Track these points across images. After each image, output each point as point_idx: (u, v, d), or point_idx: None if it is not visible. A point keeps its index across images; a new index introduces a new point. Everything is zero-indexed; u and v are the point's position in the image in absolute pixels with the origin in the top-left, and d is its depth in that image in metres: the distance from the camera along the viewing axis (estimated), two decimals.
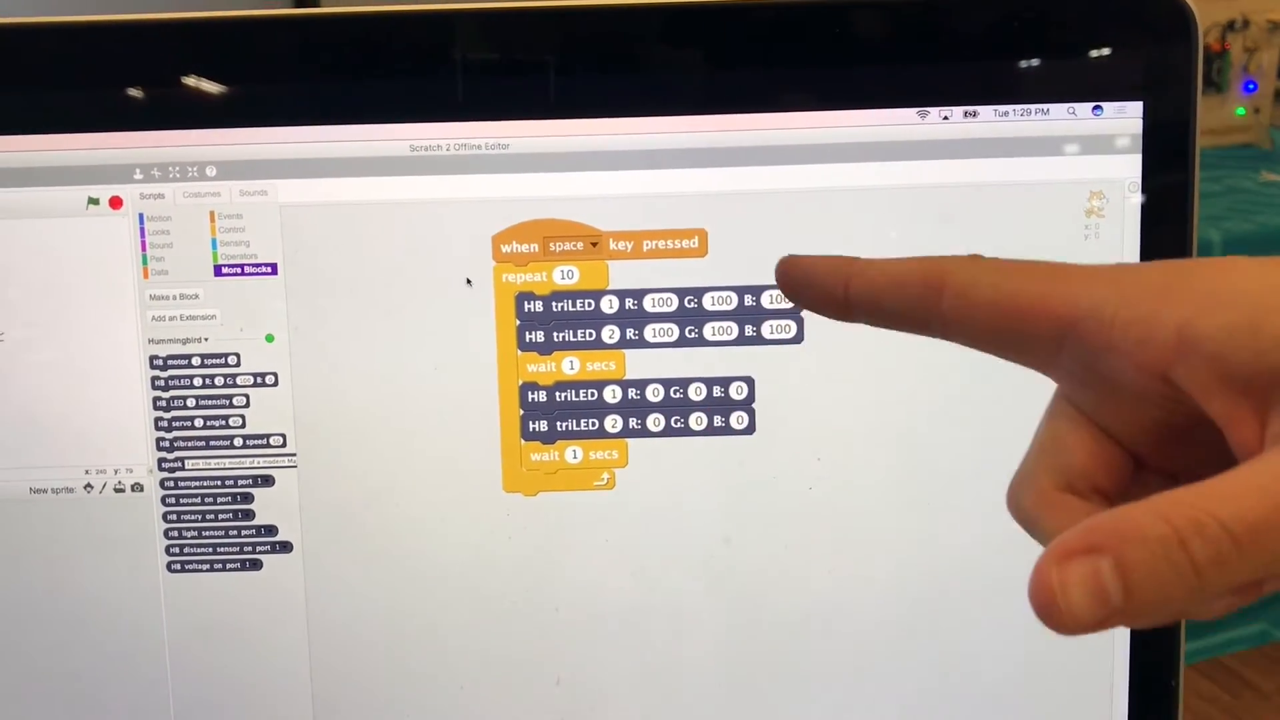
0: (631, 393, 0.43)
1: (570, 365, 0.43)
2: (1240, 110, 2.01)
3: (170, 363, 0.43)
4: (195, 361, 0.43)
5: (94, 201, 0.42)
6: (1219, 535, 0.20)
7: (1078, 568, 0.20)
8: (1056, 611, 0.20)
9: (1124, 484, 0.25)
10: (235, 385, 0.43)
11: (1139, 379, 0.23)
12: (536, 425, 0.43)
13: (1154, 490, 0.25)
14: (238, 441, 0.43)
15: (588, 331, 0.43)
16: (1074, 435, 0.25)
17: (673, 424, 0.43)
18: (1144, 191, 0.42)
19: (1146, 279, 0.23)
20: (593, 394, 0.43)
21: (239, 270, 0.42)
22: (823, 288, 0.26)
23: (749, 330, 0.43)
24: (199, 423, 0.43)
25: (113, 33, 0.42)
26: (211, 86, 0.42)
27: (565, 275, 0.42)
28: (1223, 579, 0.20)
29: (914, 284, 0.25)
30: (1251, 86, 2.02)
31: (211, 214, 0.42)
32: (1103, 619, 0.20)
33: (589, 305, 0.43)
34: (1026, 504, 0.26)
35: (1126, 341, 0.23)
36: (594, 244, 0.42)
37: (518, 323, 0.43)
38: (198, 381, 0.43)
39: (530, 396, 0.43)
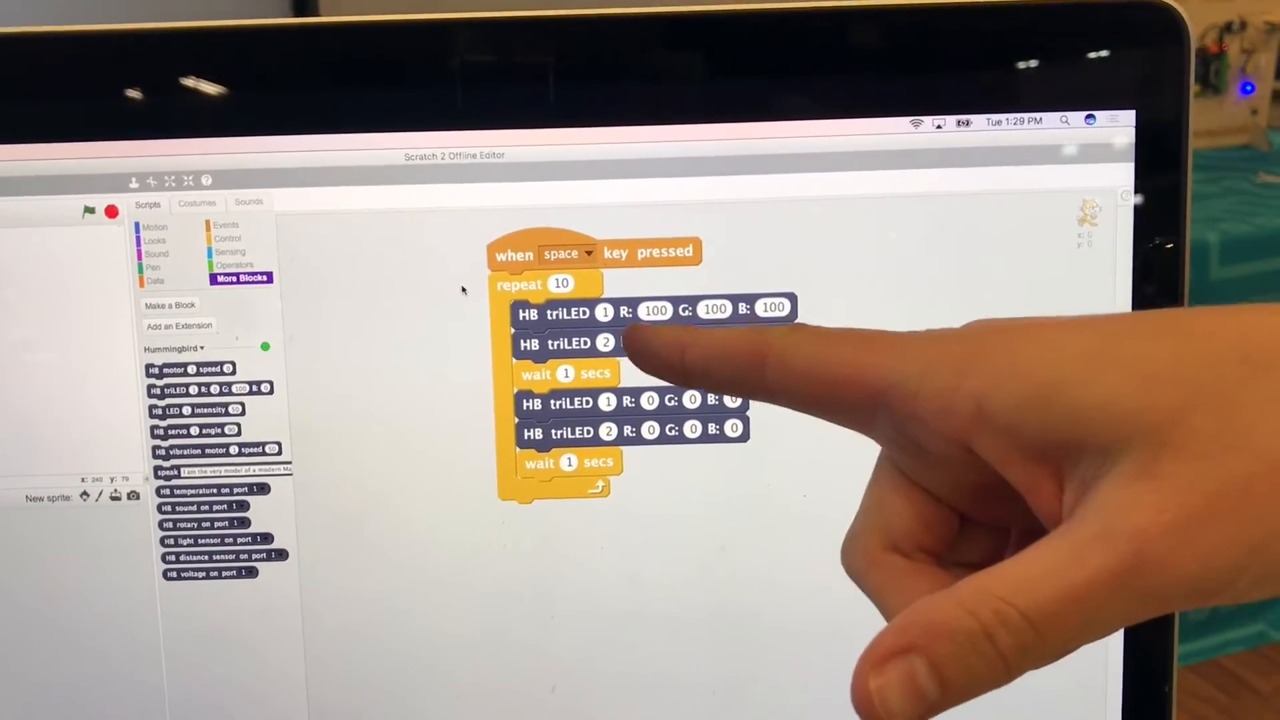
0: (626, 400, 0.43)
1: (565, 373, 0.43)
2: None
3: (166, 371, 0.43)
4: (191, 370, 0.43)
5: (90, 210, 0.42)
6: (1021, 625, 0.21)
7: (893, 671, 0.22)
8: (875, 715, 0.22)
9: (949, 539, 0.27)
10: (231, 393, 0.43)
11: (944, 447, 0.24)
12: (531, 433, 0.43)
13: (981, 544, 0.27)
14: (233, 450, 0.43)
15: (582, 340, 0.43)
16: (897, 496, 0.26)
17: (667, 432, 0.43)
18: (1137, 199, 0.42)
19: (950, 350, 0.24)
20: (588, 402, 0.43)
21: (235, 279, 0.43)
22: (662, 358, 0.27)
23: None
24: (195, 431, 0.43)
25: (108, 42, 0.42)
26: (207, 95, 0.42)
27: (560, 283, 0.43)
28: (1028, 663, 0.22)
29: (740, 355, 0.26)
30: (1249, 88, 2.02)
31: (207, 223, 0.42)
32: (923, 713, 0.22)
33: (584, 313, 0.43)
34: (855, 563, 0.27)
35: (929, 413, 0.24)
36: (589, 252, 0.43)
37: (513, 331, 0.43)
38: (193, 390, 0.43)
39: (525, 404, 0.43)
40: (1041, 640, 0.21)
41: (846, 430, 0.43)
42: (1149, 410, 0.22)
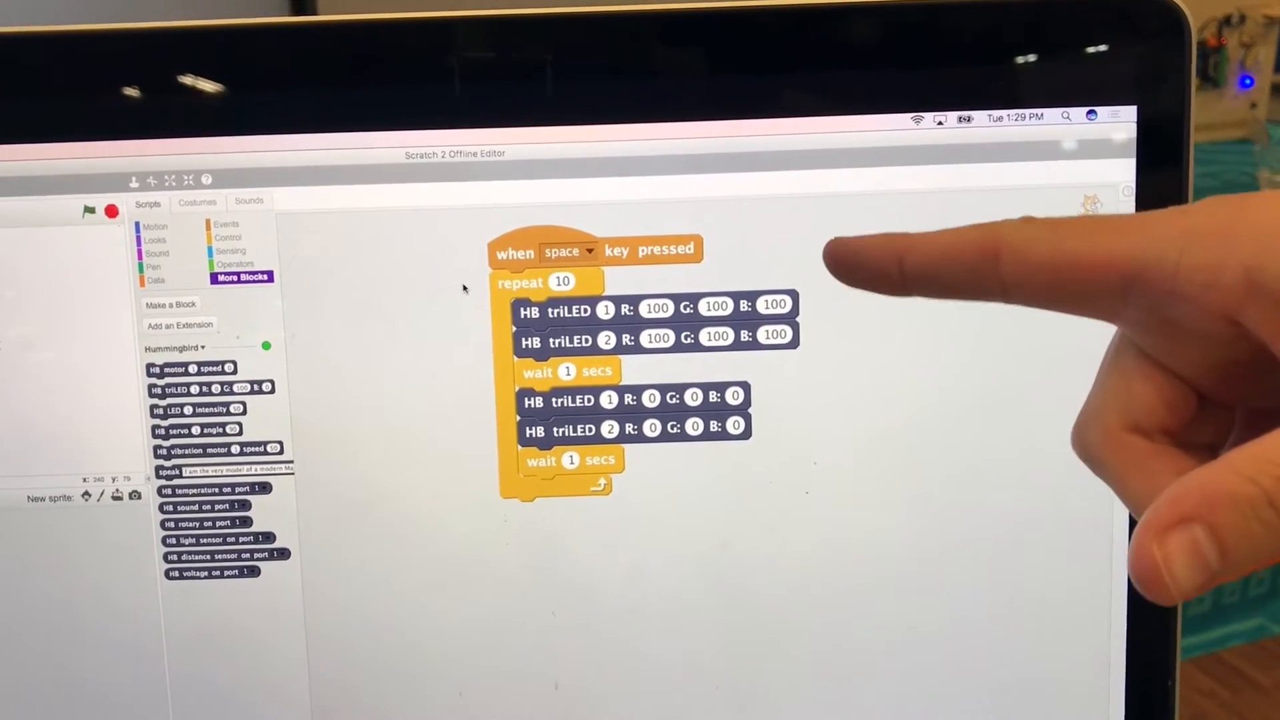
0: (628, 398, 0.43)
1: (567, 371, 0.43)
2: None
3: (167, 370, 0.43)
4: (192, 369, 0.43)
5: (90, 210, 0.42)
6: None
7: (1175, 540, 0.21)
8: (1163, 585, 0.21)
9: (1188, 420, 0.26)
10: (232, 393, 0.43)
11: (1206, 322, 0.23)
12: (533, 431, 0.43)
13: (1216, 424, 0.26)
14: (235, 449, 0.43)
15: (584, 337, 0.43)
16: (1140, 377, 0.26)
17: (669, 429, 0.43)
18: (1138, 195, 0.42)
19: (1208, 222, 0.23)
20: (589, 400, 0.43)
21: (235, 278, 0.42)
22: (877, 267, 0.26)
23: (745, 335, 0.43)
24: (196, 430, 0.43)
25: (107, 41, 0.42)
26: (207, 94, 0.42)
27: (561, 281, 0.43)
28: None
29: (969, 253, 0.25)
30: (1248, 82, 2.02)
31: (208, 222, 0.42)
32: (1204, 583, 0.21)
33: (585, 311, 0.43)
34: (1093, 444, 0.26)
35: (1192, 286, 0.23)
36: (590, 250, 0.42)
37: (514, 329, 0.43)
38: (195, 389, 0.43)
39: (527, 402, 0.43)
40: None
41: (849, 427, 0.43)
42: None
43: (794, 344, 0.43)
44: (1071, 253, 0.24)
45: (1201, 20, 1.98)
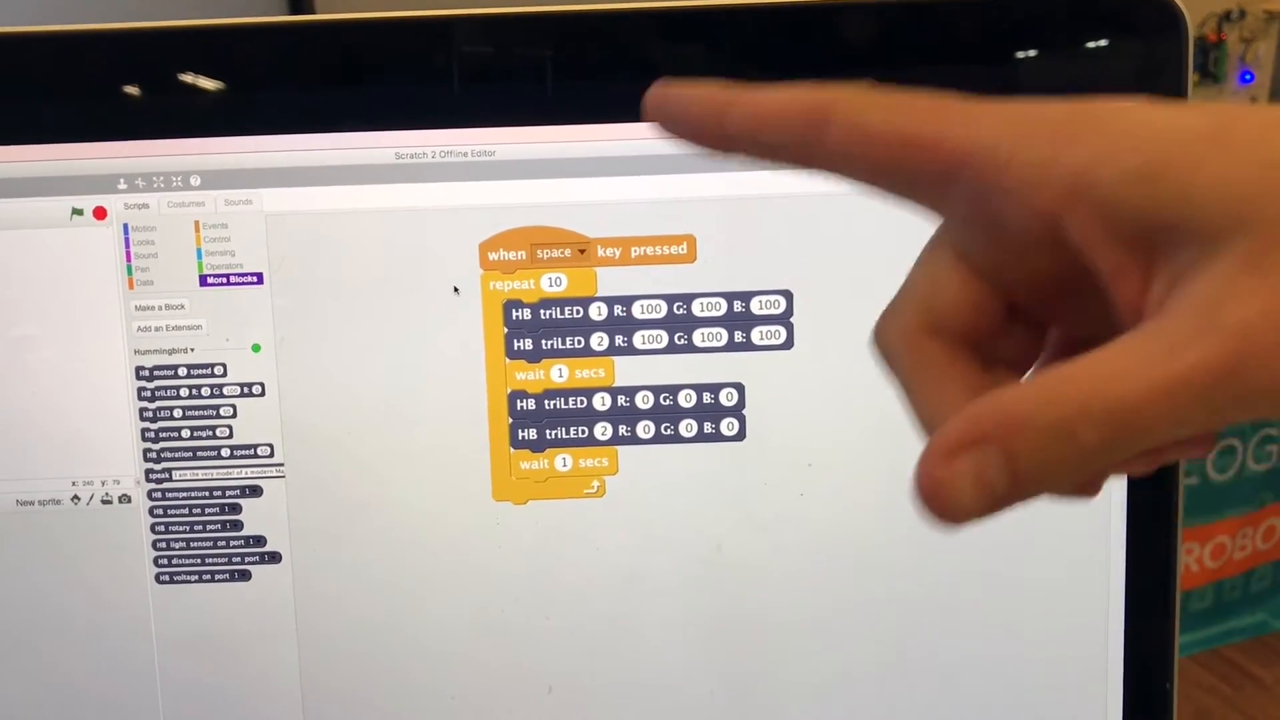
0: (621, 400, 0.43)
1: (559, 373, 0.43)
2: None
3: (157, 373, 0.43)
4: (182, 372, 0.43)
5: (78, 212, 0.42)
6: (1105, 420, 0.20)
7: (964, 462, 0.20)
8: (944, 507, 0.20)
9: (993, 331, 0.24)
10: (222, 395, 0.43)
11: (1028, 223, 0.22)
12: (526, 433, 0.43)
13: (1022, 341, 0.25)
14: (225, 452, 0.43)
15: (576, 339, 0.42)
16: (951, 276, 0.24)
17: (663, 431, 0.43)
18: None
19: (1048, 117, 0.22)
20: (582, 401, 0.43)
21: (224, 280, 0.42)
22: (699, 119, 0.24)
23: (739, 336, 0.42)
24: (186, 433, 0.43)
25: (94, 42, 0.41)
26: (195, 95, 0.41)
27: (553, 282, 0.42)
28: (1109, 460, 0.20)
29: (797, 115, 0.23)
30: (1248, 77, 2.01)
31: (196, 224, 0.42)
32: (991, 507, 0.20)
33: (577, 312, 0.42)
34: (889, 342, 0.25)
35: (1020, 183, 0.22)
36: (581, 251, 0.42)
37: (506, 330, 0.42)
38: (184, 392, 0.43)
39: (519, 404, 0.43)
40: (1125, 436, 0.20)
41: (843, 428, 0.42)
42: (1265, 197, 0.20)
43: (788, 345, 0.42)
44: (903, 129, 0.23)
45: (1201, 15, 1.98)
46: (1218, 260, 0.20)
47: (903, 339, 0.24)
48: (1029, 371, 0.26)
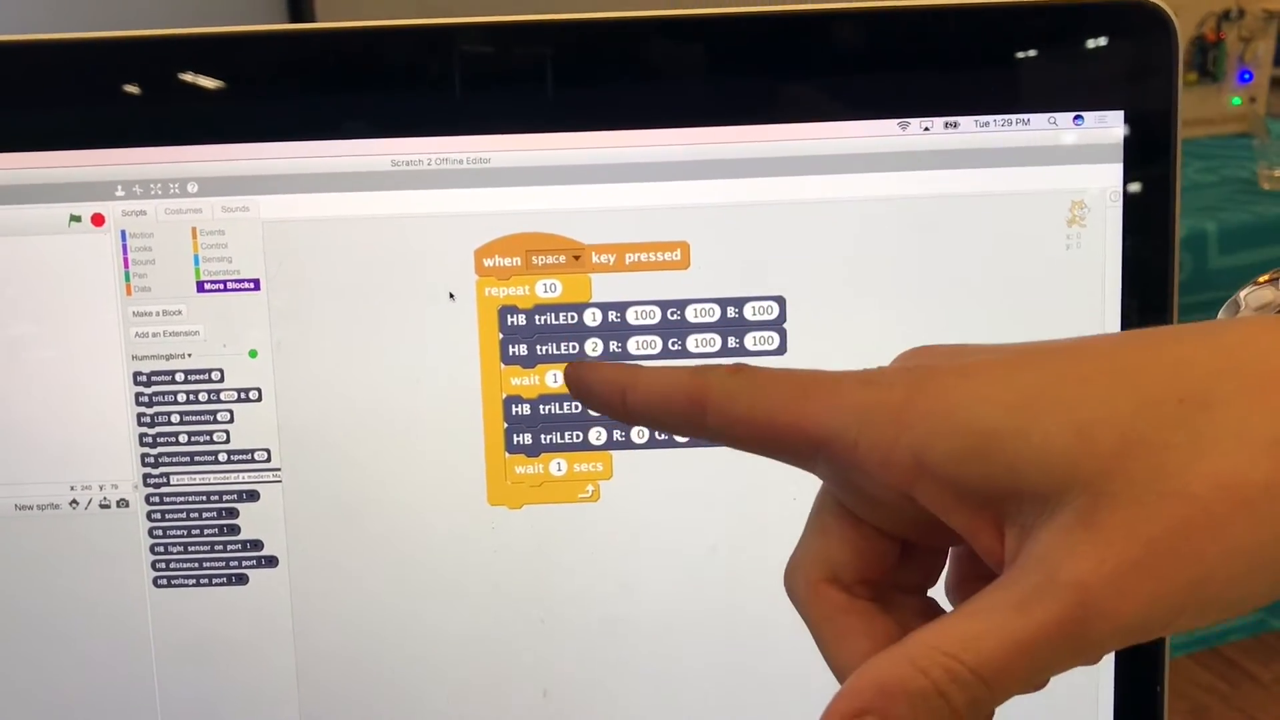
0: None
1: (554, 378, 0.43)
2: (1236, 100, 2.01)
3: (154, 379, 0.43)
4: (179, 378, 0.43)
5: (76, 219, 0.42)
6: (972, 681, 0.22)
7: None
8: None
9: (889, 567, 0.27)
10: (219, 401, 0.43)
11: (884, 493, 0.25)
12: (521, 438, 0.43)
13: (919, 566, 0.27)
14: (222, 457, 0.43)
15: (571, 344, 0.43)
16: (838, 530, 0.27)
17: (656, 436, 0.43)
18: (1125, 200, 0.42)
19: (887, 400, 0.24)
20: (577, 407, 0.43)
21: (221, 286, 0.42)
22: (604, 399, 0.28)
23: (732, 342, 0.43)
24: (183, 438, 0.43)
25: (93, 49, 0.42)
26: (193, 102, 0.42)
27: (548, 288, 0.43)
28: (980, 713, 0.22)
29: (680, 401, 0.26)
30: (1247, 76, 2.01)
31: (194, 230, 0.42)
32: None
33: (572, 318, 0.43)
34: (796, 591, 0.27)
35: (869, 463, 0.24)
36: (576, 257, 0.42)
37: (501, 336, 0.43)
38: (182, 397, 0.43)
39: (514, 410, 0.43)
40: (991, 692, 0.22)
41: None
42: (1085, 459, 0.22)
43: (781, 350, 0.43)
44: (764, 414, 0.25)
45: (1200, 14, 1.98)
46: (1054, 519, 0.22)
47: (806, 590, 0.27)
48: (944, 580, 0.28)
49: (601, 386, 0.28)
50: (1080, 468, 0.22)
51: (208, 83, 0.41)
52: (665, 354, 0.43)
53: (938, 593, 0.28)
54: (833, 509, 0.27)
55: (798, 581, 0.27)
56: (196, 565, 0.44)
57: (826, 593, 0.26)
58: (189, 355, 0.43)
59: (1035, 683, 0.23)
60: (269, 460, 0.43)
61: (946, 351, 0.25)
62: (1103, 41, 0.41)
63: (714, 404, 0.26)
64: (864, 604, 0.26)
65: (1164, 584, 0.21)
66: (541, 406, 0.43)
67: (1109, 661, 0.44)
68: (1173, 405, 0.22)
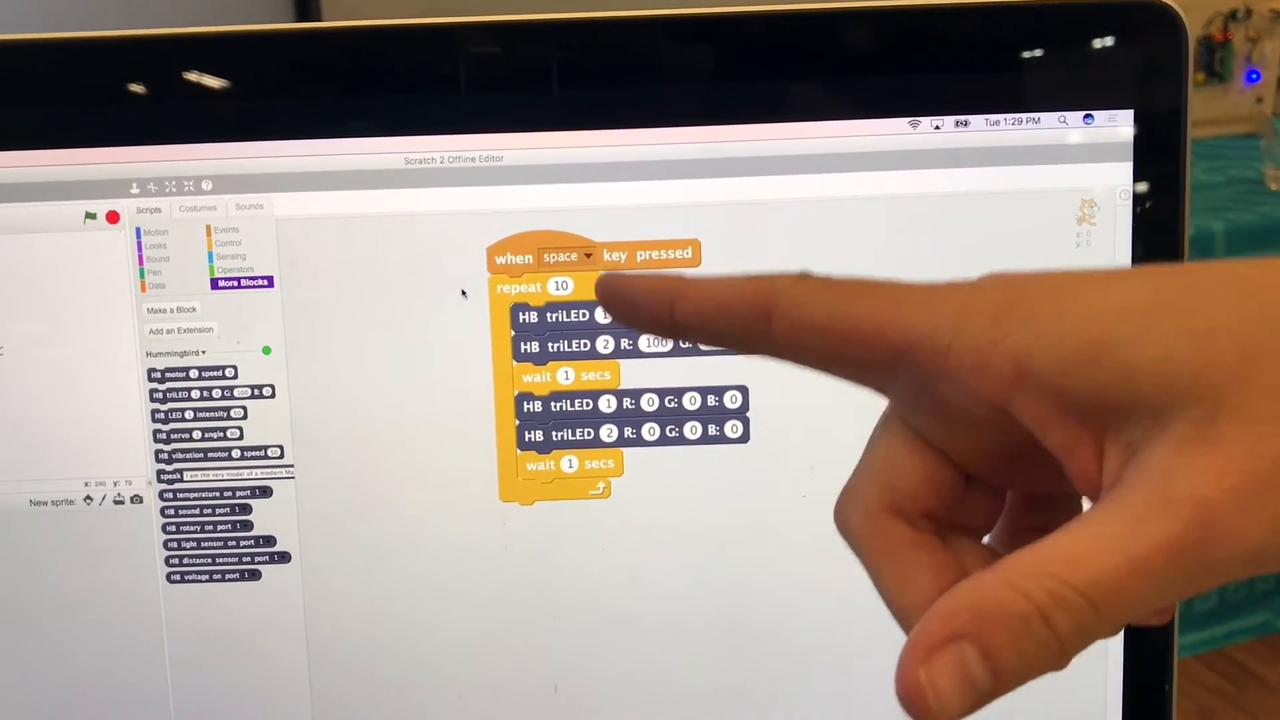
0: (626, 402, 0.43)
1: (565, 375, 0.43)
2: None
3: (168, 375, 0.43)
4: (193, 374, 0.43)
5: (91, 216, 0.42)
6: (1079, 604, 0.20)
7: (944, 661, 0.20)
8: (927, 708, 0.21)
9: (953, 503, 0.25)
10: (233, 397, 0.43)
11: (974, 407, 0.23)
12: (532, 435, 0.43)
13: (983, 507, 0.25)
14: (236, 453, 0.44)
15: (582, 342, 0.43)
16: (906, 456, 0.25)
17: (668, 433, 0.43)
18: (1135, 199, 0.42)
19: (984, 303, 0.22)
20: (588, 404, 0.43)
21: (235, 283, 0.43)
22: (648, 310, 0.25)
23: None
24: (197, 435, 0.43)
25: (108, 48, 0.42)
26: (207, 101, 0.42)
27: (560, 286, 0.43)
28: (1085, 642, 0.20)
29: (741, 307, 0.24)
30: (1254, 76, 2.01)
31: (208, 227, 0.42)
32: (974, 704, 0.21)
33: (583, 316, 0.43)
34: (851, 524, 0.25)
35: (962, 370, 0.22)
36: (588, 255, 0.43)
37: (513, 333, 0.43)
38: (195, 394, 0.43)
39: (526, 406, 0.43)
40: (1100, 618, 0.20)
41: (846, 431, 0.43)
42: (1206, 369, 0.20)
43: None
44: (843, 319, 0.23)
45: (1207, 15, 1.98)
46: (1168, 432, 0.20)
47: (865, 521, 0.25)
48: (992, 532, 0.26)
49: (646, 296, 0.25)
50: (1201, 378, 0.20)
51: (222, 81, 0.42)
52: (676, 351, 0.43)
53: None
54: (902, 434, 0.25)
55: (854, 510, 0.25)
56: (210, 561, 0.44)
57: (888, 524, 0.24)
58: (203, 352, 0.43)
59: (1144, 609, 0.20)
60: (282, 457, 0.43)
61: (1040, 271, 0.23)
62: (1113, 40, 0.41)
63: (783, 309, 0.24)
64: (928, 538, 0.24)
65: None
66: (553, 403, 0.43)
67: (1117, 661, 0.44)
68: None
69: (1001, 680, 0.20)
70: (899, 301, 0.23)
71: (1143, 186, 0.42)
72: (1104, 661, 0.44)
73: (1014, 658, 0.20)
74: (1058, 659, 0.20)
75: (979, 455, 0.24)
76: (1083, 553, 0.20)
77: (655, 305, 0.25)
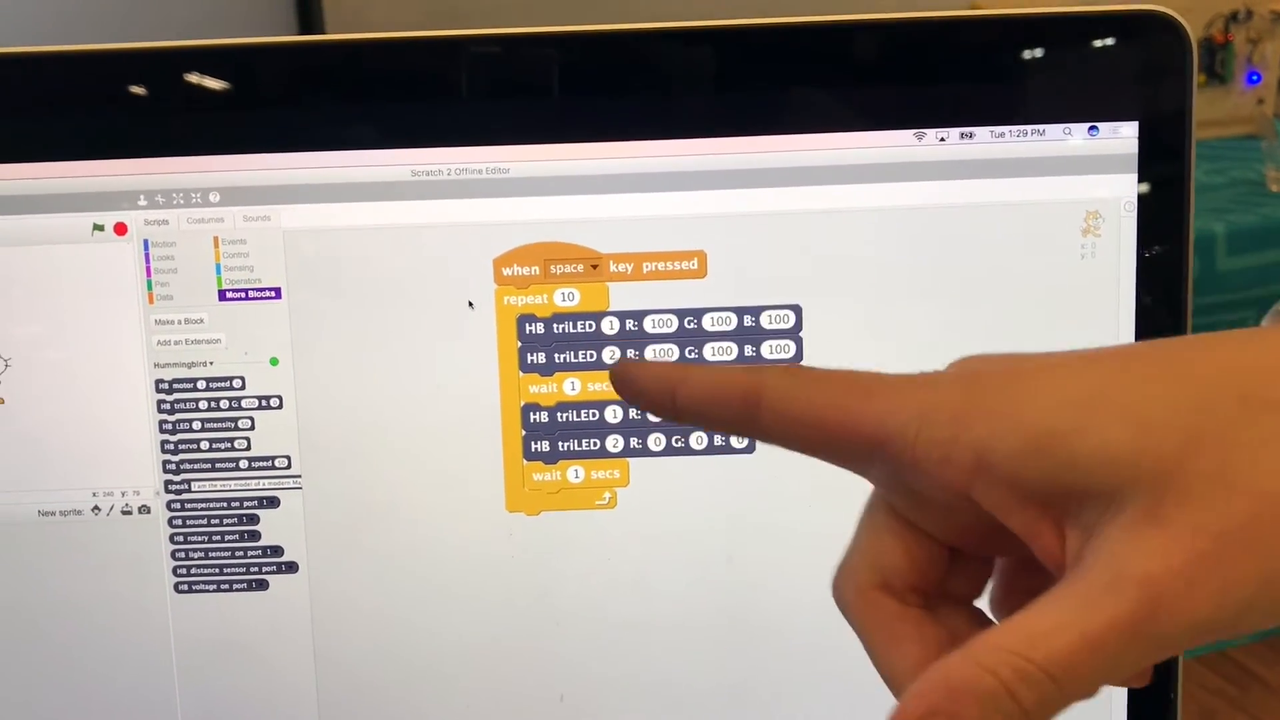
0: (632, 412, 0.43)
1: (572, 386, 0.43)
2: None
3: (176, 386, 0.43)
4: (201, 385, 0.43)
5: (99, 228, 0.43)
6: (1040, 679, 0.22)
7: None
8: None
9: (940, 576, 0.27)
10: (240, 408, 0.43)
11: (942, 493, 0.24)
12: (539, 445, 0.44)
13: (972, 575, 0.27)
14: (243, 463, 0.44)
15: (589, 353, 0.43)
16: (891, 536, 0.26)
17: (673, 443, 0.44)
18: (1140, 210, 0.42)
19: (947, 398, 0.24)
20: (594, 414, 0.43)
21: (243, 295, 0.43)
22: (653, 396, 0.27)
23: (748, 350, 0.43)
24: (205, 445, 0.44)
25: (115, 61, 0.42)
26: (214, 113, 0.42)
27: (566, 297, 0.43)
28: (1051, 712, 0.22)
29: (734, 399, 0.26)
30: (1255, 78, 2.01)
31: (215, 239, 0.43)
32: None
33: (590, 327, 0.43)
34: (845, 597, 0.27)
35: (928, 462, 0.24)
36: (594, 266, 0.43)
37: (519, 344, 0.43)
38: (203, 405, 0.43)
39: (532, 417, 0.43)
40: (1060, 691, 0.22)
41: None
42: (1148, 456, 0.22)
43: (798, 358, 0.43)
44: (822, 411, 0.25)
45: (1208, 16, 1.98)
46: (1120, 516, 0.22)
47: (856, 597, 0.27)
48: (989, 593, 0.28)
49: (652, 384, 0.27)
50: (1144, 464, 0.22)
51: (229, 94, 0.42)
52: (682, 362, 0.43)
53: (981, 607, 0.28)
54: (884, 515, 0.27)
55: (848, 588, 0.27)
56: (217, 571, 0.44)
57: (878, 599, 0.26)
58: (210, 363, 0.43)
59: (1103, 681, 0.22)
60: (289, 467, 0.44)
61: (1000, 358, 0.25)
62: (1117, 52, 0.41)
63: (769, 402, 0.26)
64: (915, 611, 0.26)
65: (1234, 577, 0.21)
66: (559, 414, 0.43)
67: None
68: (1234, 404, 0.22)
69: None
70: (873, 396, 0.25)
71: (1147, 198, 0.42)
72: None
73: None
74: None
75: (958, 531, 0.26)
76: (1043, 631, 0.22)
77: (659, 393, 0.27)
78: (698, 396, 0.27)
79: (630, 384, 0.28)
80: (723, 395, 0.26)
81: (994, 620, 0.27)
